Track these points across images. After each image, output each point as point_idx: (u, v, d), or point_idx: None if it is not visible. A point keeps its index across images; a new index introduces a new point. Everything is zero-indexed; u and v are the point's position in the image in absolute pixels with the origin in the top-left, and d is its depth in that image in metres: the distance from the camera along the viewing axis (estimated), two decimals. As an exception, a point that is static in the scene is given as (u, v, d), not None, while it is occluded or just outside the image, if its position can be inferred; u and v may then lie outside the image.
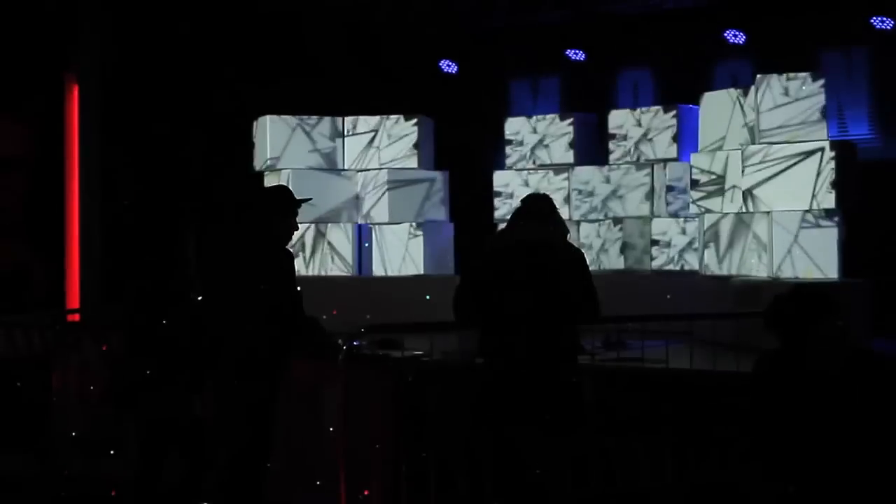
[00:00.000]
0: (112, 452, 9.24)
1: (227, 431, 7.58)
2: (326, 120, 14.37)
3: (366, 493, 8.58)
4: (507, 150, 14.91)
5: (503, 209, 14.57)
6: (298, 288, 7.77)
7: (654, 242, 13.59)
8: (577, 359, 7.13)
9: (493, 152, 15.30)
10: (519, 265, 6.98)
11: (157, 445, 7.84)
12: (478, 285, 7.15)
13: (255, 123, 14.48)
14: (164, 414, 7.79)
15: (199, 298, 7.83)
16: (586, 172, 14.23)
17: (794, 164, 11.28)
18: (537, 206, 7.45)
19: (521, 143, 14.78)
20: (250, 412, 7.51)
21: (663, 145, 13.64)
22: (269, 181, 13.95)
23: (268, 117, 14.22)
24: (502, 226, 14.18)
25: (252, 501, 7.56)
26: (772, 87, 11.55)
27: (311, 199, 8.07)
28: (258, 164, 14.41)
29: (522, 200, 7.55)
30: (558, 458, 7.02)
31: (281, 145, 14.18)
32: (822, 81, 11.57)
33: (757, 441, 5.33)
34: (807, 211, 11.20)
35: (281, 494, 8.37)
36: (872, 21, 12.93)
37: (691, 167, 12.65)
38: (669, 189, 13.46)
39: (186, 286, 7.99)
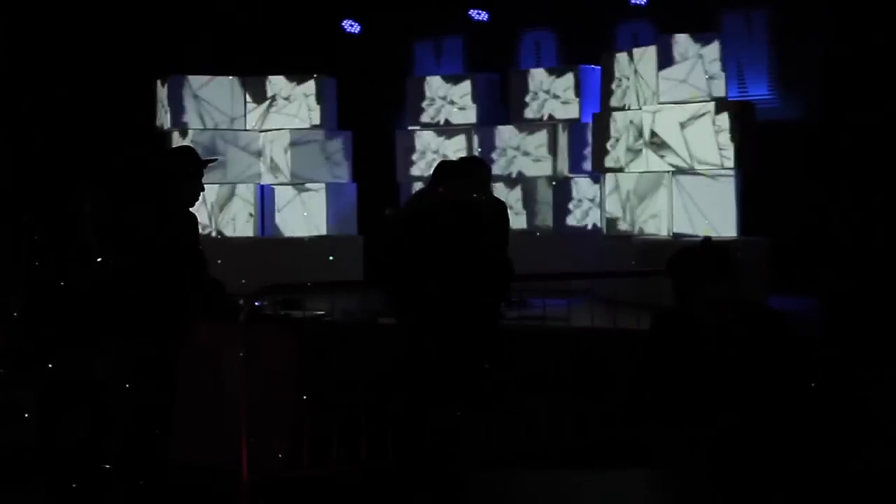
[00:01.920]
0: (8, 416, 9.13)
1: (128, 393, 7.53)
2: (229, 79, 14.25)
3: (268, 452, 8.57)
4: (410, 109, 14.89)
5: (405, 169, 14.57)
6: (201, 248, 7.73)
7: (557, 201, 13.66)
8: (496, 324, 7.16)
9: (396, 112, 15.27)
10: (439, 226, 6.97)
11: (56, 408, 7.76)
12: (398, 247, 7.11)
13: (156, 83, 14.32)
14: (63, 376, 7.72)
15: (99, 260, 7.76)
16: (488, 132, 14.25)
17: (693, 123, 11.39)
18: (458, 167, 7.46)
19: (424, 103, 14.75)
20: (151, 374, 7.46)
21: (565, 105, 13.70)
22: (172, 142, 13.82)
23: (169, 77, 14.07)
24: (408, 186, 14.29)
25: (154, 463, 7.52)
26: (672, 48, 11.65)
27: (216, 159, 8.01)
28: (160, 125, 14.27)
29: (444, 162, 7.55)
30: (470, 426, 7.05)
31: (182, 105, 14.04)
32: (721, 42, 11.70)
33: (653, 397, 5.39)
34: (705, 170, 11.32)
35: (183, 455, 8.33)
36: (772, -17, 13.07)
37: (593, 127, 12.73)
38: (571, 148, 13.53)
39: (85, 248, 7.91)
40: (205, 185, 7.57)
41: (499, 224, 7.42)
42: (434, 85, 14.67)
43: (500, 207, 8.50)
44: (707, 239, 5.45)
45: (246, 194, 14.07)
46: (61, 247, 7.83)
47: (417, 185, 14.18)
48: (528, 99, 13.96)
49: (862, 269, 10.69)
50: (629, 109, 12.10)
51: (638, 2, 13.90)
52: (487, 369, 7.01)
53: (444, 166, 7.47)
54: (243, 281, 9.30)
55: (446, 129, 14.51)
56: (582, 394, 8.81)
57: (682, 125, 11.45)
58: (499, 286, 7.21)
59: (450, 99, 14.56)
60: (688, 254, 5.26)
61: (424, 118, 14.68)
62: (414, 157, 14.48)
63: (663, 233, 11.52)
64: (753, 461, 5.15)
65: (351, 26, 15.79)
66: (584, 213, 13.46)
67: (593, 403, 8.68)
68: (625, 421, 8.31)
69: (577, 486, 4.92)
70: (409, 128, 14.81)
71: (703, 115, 11.40)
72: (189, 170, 7.56)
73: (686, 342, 5.25)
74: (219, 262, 8.18)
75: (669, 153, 11.50)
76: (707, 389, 5.19)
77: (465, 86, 14.50)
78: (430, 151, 14.36)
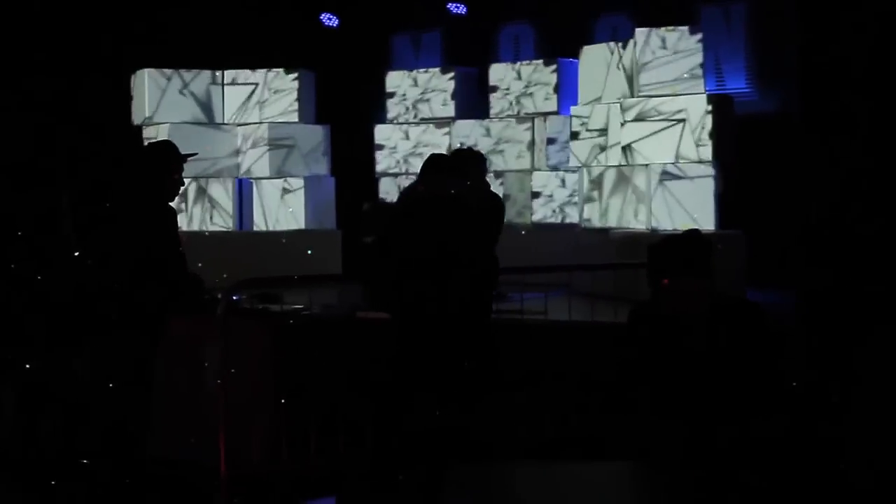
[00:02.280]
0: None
1: (106, 388, 7.52)
2: (206, 73, 14.21)
3: (247, 447, 8.56)
4: (389, 104, 14.88)
5: (384, 163, 14.56)
6: (180, 244, 7.71)
7: (535, 195, 13.67)
8: (487, 319, 7.16)
9: (375, 106, 15.26)
10: (416, 223, 6.96)
11: (35, 406, 7.74)
12: (388, 241, 7.07)
13: (132, 77, 14.27)
14: (41, 373, 7.70)
15: (77, 255, 7.74)
16: (467, 126, 14.25)
17: (672, 117, 11.41)
18: (446, 161, 7.44)
19: (402, 97, 14.75)
20: (129, 369, 7.45)
21: (543, 99, 13.71)
22: (148, 136, 13.76)
23: (146, 71, 14.03)
24: (387, 180, 14.28)
25: (131, 458, 7.51)
26: (650, 41, 11.67)
27: (195, 154, 8.00)
28: (136, 119, 14.22)
29: (431, 156, 7.52)
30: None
31: (159, 99, 13.99)
32: (699, 36, 11.73)
33: (631, 389, 5.40)
34: (683, 163, 11.35)
35: (161, 450, 8.31)
36: (750, -24, 13.10)
37: (571, 120, 12.74)
38: (550, 142, 13.55)
39: (63, 243, 7.89)
40: (184, 180, 7.56)
41: (490, 218, 7.39)
42: (411, 79, 14.65)
43: (495, 201, 8.46)
44: (692, 231, 5.43)
45: (224, 188, 14.02)
46: (39, 241, 7.81)
47: (400, 180, 14.20)
48: (506, 93, 13.96)
49: (840, 262, 10.73)
50: (608, 103, 12.11)
51: (616, -5, 13.93)
52: (470, 367, 7.00)
53: (429, 161, 7.46)
54: (225, 276, 9.29)
55: (424, 123, 14.50)
56: (561, 387, 8.82)
57: (661, 118, 11.46)
58: (483, 282, 7.20)
59: (428, 93, 14.54)
60: (659, 249, 5.26)
61: (403, 112, 14.67)
62: (392, 150, 14.46)
63: (641, 226, 11.54)
64: (731, 454, 5.16)
65: (329, 20, 15.76)
66: (562, 206, 13.47)
67: (572, 397, 8.69)
68: (603, 414, 8.34)
69: (555, 479, 4.93)
70: (388, 122, 14.80)
71: (682, 108, 11.41)
72: (169, 165, 7.55)
73: (662, 335, 5.26)
74: (199, 265, 8.15)
75: (648, 147, 11.51)
76: (684, 382, 5.20)
77: (443, 80, 14.50)
78: (408, 145, 14.35)
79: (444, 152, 7.82)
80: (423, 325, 6.89)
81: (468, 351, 7.01)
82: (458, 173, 7.40)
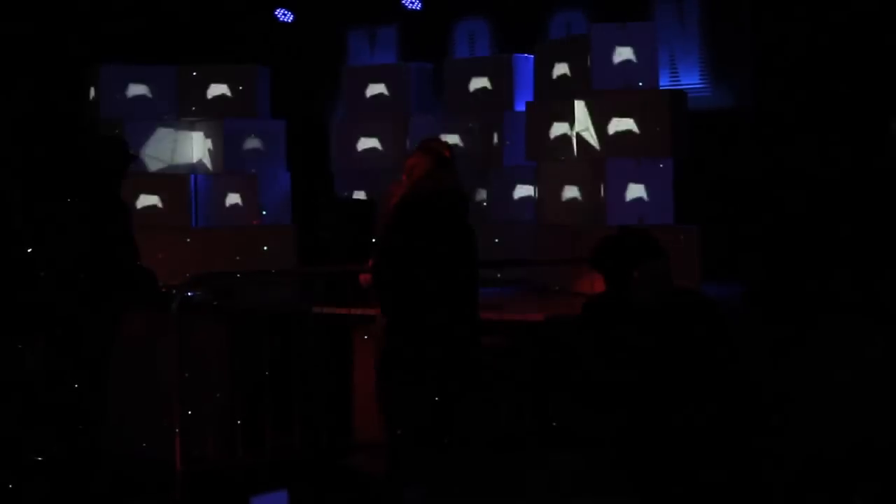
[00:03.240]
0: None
1: (60, 385, 7.50)
2: (162, 68, 14.13)
3: (201, 442, 8.57)
4: (345, 98, 14.86)
5: (340, 158, 14.53)
6: (133, 239, 7.70)
7: (491, 191, 13.65)
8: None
9: (330, 101, 15.25)
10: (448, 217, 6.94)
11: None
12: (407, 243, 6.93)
13: (85, 72, 14.18)
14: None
15: (30, 251, 7.72)
16: (422, 121, 14.22)
17: (627, 111, 11.45)
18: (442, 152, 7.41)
19: (357, 92, 14.70)
20: (84, 365, 7.44)
21: (499, 94, 13.69)
22: (104, 131, 13.66)
23: (101, 65, 13.94)
24: (342, 175, 14.24)
25: (87, 455, 7.50)
26: (605, 36, 11.70)
27: (136, 154, 8.01)
28: (90, 114, 14.12)
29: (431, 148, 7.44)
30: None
31: (115, 94, 13.90)
32: (654, 31, 11.79)
33: (586, 382, 5.44)
34: (638, 158, 11.40)
35: (116, 446, 8.30)
36: (704, -30, 13.17)
37: (526, 115, 12.75)
38: (505, 137, 13.53)
39: (15, 237, 7.86)
40: (133, 174, 7.55)
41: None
42: (368, 73, 14.62)
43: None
44: (624, 227, 5.54)
45: (179, 183, 13.93)
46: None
47: (354, 175, 14.16)
48: (461, 88, 13.94)
49: (789, 256, 10.83)
50: (562, 98, 12.13)
51: (571, -9, 13.96)
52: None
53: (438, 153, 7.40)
54: (186, 274, 9.26)
55: (378, 118, 14.44)
56: (520, 383, 8.86)
57: (615, 114, 11.50)
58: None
59: (383, 88, 14.51)
60: (612, 241, 5.31)
61: (358, 107, 14.62)
62: (347, 145, 14.42)
63: (597, 221, 11.57)
64: (681, 447, 5.20)
65: (284, 15, 15.73)
66: (518, 201, 13.46)
67: (529, 392, 8.73)
68: (557, 409, 8.38)
69: (510, 466, 4.97)
70: (342, 117, 14.78)
71: (636, 103, 11.46)
72: (119, 162, 7.54)
73: (617, 327, 5.30)
74: (156, 259, 8.13)
75: (602, 142, 11.55)
76: (639, 374, 5.24)
77: (399, 75, 14.45)
78: (363, 140, 14.31)
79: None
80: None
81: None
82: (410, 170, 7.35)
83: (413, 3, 15.06)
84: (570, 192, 12.00)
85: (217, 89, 14.15)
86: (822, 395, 7.94)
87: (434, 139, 7.77)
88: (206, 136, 14.02)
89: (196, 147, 14.10)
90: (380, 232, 7.67)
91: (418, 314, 6.72)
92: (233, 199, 13.99)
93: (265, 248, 12.52)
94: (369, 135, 14.31)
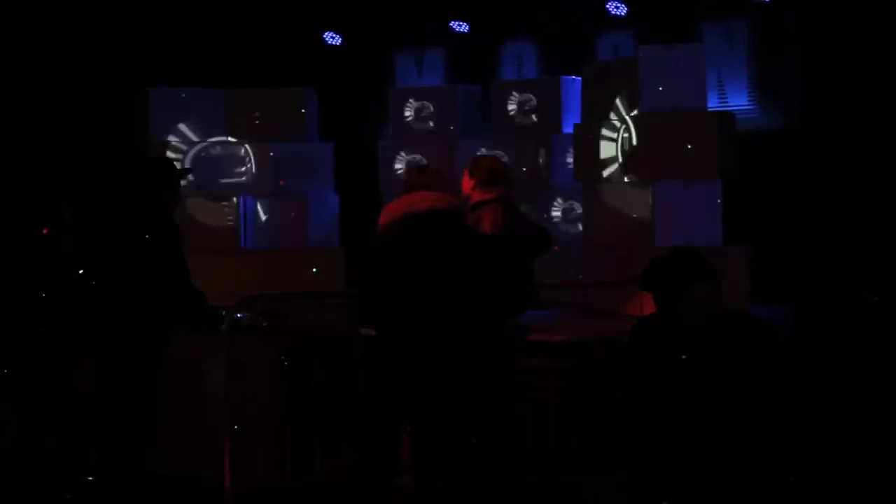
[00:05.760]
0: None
1: (109, 405, 7.54)
2: (211, 91, 14.23)
3: (251, 462, 8.58)
4: (392, 121, 14.87)
5: (388, 180, 14.53)
6: (183, 260, 7.73)
7: (539, 212, 13.63)
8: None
9: (378, 124, 15.28)
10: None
11: (37, 420, 7.76)
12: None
13: (137, 94, 14.29)
14: (44, 388, 7.72)
15: (81, 272, 7.77)
16: (470, 144, 14.20)
17: (675, 133, 11.42)
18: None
19: (406, 115, 14.72)
20: (133, 385, 7.46)
21: (546, 116, 13.68)
22: (155, 153, 13.75)
23: (150, 88, 14.05)
24: (390, 197, 14.23)
25: (135, 475, 7.52)
26: (653, 58, 11.68)
27: (190, 170, 8.04)
28: (143, 136, 14.23)
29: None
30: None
31: (164, 117, 14.00)
32: (703, 53, 11.76)
33: (636, 405, 5.42)
34: (687, 179, 11.37)
35: (165, 467, 8.33)
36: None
37: (574, 137, 12.74)
38: (552, 159, 13.50)
39: (66, 258, 7.91)
40: (182, 196, 7.57)
41: None
42: (416, 95, 14.63)
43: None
44: (675, 248, 5.50)
45: (228, 205, 14.01)
46: (42, 256, 7.84)
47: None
48: (508, 110, 13.94)
49: (840, 275, 10.76)
50: (610, 120, 12.12)
51: (618, 13, 13.93)
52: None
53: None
54: (236, 295, 9.29)
55: (426, 140, 14.43)
56: (566, 403, 8.83)
57: (663, 135, 11.46)
58: None
59: (431, 110, 14.51)
60: (662, 262, 5.29)
61: (406, 130, 14.63)
62: (396, 168, 14.44)
63: (645, 242, 11.53)
64: (736, 469, 5.18)
65: (332, 38, 15.80)
66: (565, 223, 13.43)
67: (576, 413, 8.70)
68: (607, 429, 8.35)
69: (556, 491, 4.96)
70: (391, 139, 14.80)
71: (684, 125, 11.42)
72: (163, 181, 7.58)
73: (667, 349, 5.28)
74: (200, 273, 8.16)
75: (651, 164, 11.52)
76: (688, 396, 5.22)
77: (446, 96, 14.45)
78: (412, 163, 14.31)
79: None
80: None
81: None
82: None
83: (460, 25, 15.09)
84: (619, 213, 11.98)
85: (265, 112, 14.22)
86: (873, 420, 7.88)
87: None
88: (255, 158, 14.09)
89: (245, 169, 14.18)
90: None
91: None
92: (281, 221, 14.05)
93: (314, 269, 12.57)
94: (417, 156, 14.33)
